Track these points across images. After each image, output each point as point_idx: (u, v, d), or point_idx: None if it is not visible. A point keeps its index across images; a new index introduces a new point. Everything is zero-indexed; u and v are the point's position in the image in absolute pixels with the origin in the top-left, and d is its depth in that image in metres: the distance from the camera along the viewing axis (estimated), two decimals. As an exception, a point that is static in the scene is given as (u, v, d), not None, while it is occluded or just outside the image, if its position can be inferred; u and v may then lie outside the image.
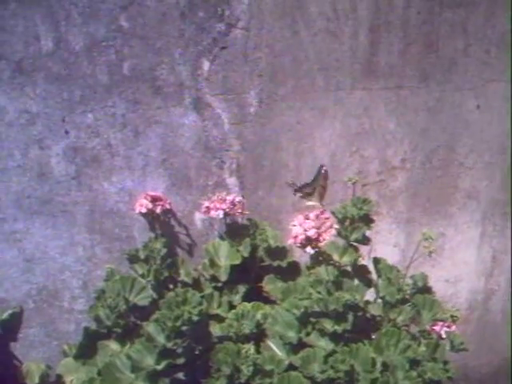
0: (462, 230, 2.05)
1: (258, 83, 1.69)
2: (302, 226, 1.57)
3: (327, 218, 1.56)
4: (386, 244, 1.96)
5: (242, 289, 1.64)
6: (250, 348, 1.22)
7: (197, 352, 1.30)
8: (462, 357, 2.22)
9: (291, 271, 1.67)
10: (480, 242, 2.10)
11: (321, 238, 1.58)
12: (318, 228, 1.55)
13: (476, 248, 2.10)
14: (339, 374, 1.18)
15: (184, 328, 1.23)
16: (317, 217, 1.58)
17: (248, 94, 1.69)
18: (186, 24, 1.59)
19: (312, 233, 1.57)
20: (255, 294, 1.66)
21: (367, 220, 1.60)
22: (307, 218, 1.56)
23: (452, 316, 1.29)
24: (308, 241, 1.58)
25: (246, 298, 1.64)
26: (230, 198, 1.62)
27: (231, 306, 1.60)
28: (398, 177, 1.91)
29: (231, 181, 1.75)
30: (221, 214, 1.60)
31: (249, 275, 1.68)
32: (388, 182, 1.91)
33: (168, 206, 1.67)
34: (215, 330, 1.42)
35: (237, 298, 1.63)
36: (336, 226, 1.54)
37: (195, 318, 1.24)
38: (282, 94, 1.71)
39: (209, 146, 1.70)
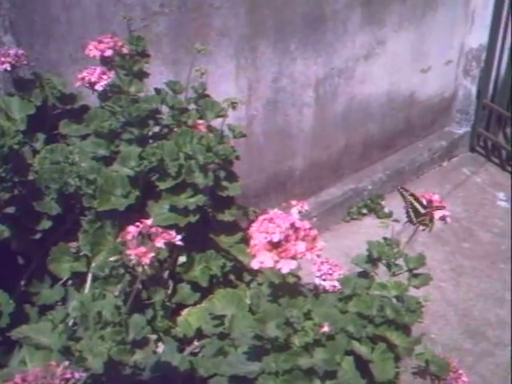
0: (221, 65, 2.36)
1: None
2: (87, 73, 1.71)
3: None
4: (158, 85, 2.19)
5: (41, 136, 1.76)
6: (74, 155, 1.40)
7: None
8: (238, 177, 2.58)
9: (84, 113, 1.83)
10: (236, 74, 2.43)
11: (104, 76, 1.75)
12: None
13: (234, 80, 2.43)
14: (153, 163, 1.42)
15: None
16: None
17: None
18: None
19: (95, 75, 1.73)
20: (54, 141, 1.80)
21: (144, 55, 1.80)
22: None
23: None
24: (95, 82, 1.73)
25: (47, 144, 1.77)
26: (12, 51, 1.70)
27: (35, 153, 1.73)
28: (160, 22, 2.12)
29: (7, 39, 1.81)
30: (8, 66, 1.68)
31: (45, 123, 1.80)
32: (152, 27, 2.11)
33: None
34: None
35: (39, 145, 1.75)
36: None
37: (16, 147, 1.37)
38: None
39: (-23, 6, 1.73)
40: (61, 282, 1.61)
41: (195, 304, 1.67)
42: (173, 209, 1.51)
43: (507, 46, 3.43)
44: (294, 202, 1.84)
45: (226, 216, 1.64)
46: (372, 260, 1.57)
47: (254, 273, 1.66)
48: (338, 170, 3.13)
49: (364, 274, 1.58)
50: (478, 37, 3.42)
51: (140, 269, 0.96)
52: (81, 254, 1.57)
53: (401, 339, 1.42)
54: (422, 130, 3.52)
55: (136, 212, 1.55)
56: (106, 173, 1.44)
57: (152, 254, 0.96)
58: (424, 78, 3.34)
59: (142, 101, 1.55)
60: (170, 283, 1.67)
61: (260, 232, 0.94)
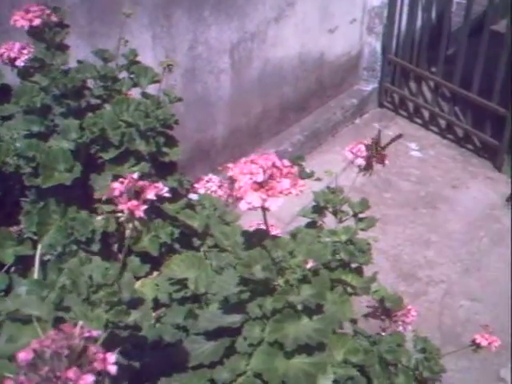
0: (137, 35, 2.30)
1: None
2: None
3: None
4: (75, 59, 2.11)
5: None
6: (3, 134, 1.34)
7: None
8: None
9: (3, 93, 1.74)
10: (153, 43, 2.38)
11: (25, 51, 1.67)
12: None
13: (151, 50, 2.38)
14: (95, 134, 1.38)
15: None
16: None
17: None
18: None
19: (15, 50, 1.65)
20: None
21: (63, 26, 1.74)
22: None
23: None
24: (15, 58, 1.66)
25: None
26: None
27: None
28: (72, -6, 2.05)
29: None
30: None
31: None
32: (65, 1, 2.02)
33: None
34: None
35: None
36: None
37: None
38: None
39: None
40: (4, 268, 1.55)
41: (146, 275, 1.65)
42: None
43: (406, 1, 3.55)
44: (231, 165, 1.85)
45: (170, 182, 1.62)
46: (319, 209, 1.60)
47: (203, 237, 1.66)
48: (258, 135, 3.15)
49: (312, 224, 1.62)
50: (379, -6, 3.53)
51: (130, 225, 0.94)
52: (24, 236, 1.51)
53: (356, 280, 1.47)
54: (333, 90, 3.60)
55: (79, 187, 1.51)
56: (46, 148, 1.39)
57: (145, 206, 0.94)
58: (332, 38, 3.41)
59: (74, 72, 1.50)
60: (120, 256, 1.64)
61: (244, 174, 0.95)
